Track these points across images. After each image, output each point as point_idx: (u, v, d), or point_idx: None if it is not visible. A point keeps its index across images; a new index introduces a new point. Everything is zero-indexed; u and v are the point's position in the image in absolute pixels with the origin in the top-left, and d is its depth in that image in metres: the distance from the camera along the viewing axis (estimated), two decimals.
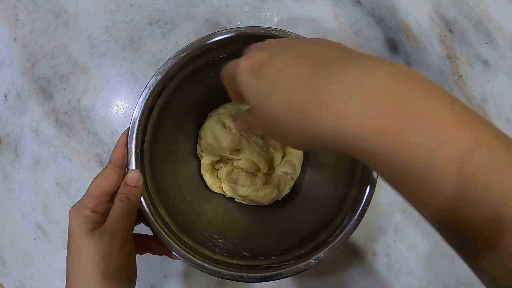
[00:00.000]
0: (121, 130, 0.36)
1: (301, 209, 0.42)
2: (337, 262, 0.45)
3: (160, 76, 0.35)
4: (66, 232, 0.30)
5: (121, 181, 0.32)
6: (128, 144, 0.34)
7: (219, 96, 0.42)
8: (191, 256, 0.33)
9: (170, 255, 0.35)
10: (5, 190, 0.48)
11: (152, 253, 0.36)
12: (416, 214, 0.23)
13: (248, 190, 0.42)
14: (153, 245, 0.35)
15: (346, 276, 0.45)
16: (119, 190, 0.32)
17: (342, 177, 0.38)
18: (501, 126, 0.48)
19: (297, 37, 0.35)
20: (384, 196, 0.46)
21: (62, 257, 0.30)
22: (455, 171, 0.17)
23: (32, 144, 0.48)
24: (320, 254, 0.33)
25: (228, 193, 0.43)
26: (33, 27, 0.50)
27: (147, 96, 0.34)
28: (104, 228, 0.29)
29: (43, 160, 0.48)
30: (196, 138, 0.44)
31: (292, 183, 0.44)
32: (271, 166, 0.44)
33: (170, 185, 0.39)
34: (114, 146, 0.34)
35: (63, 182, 0.47)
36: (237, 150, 0.42)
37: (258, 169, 0.43)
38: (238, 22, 0.49)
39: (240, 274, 0.33)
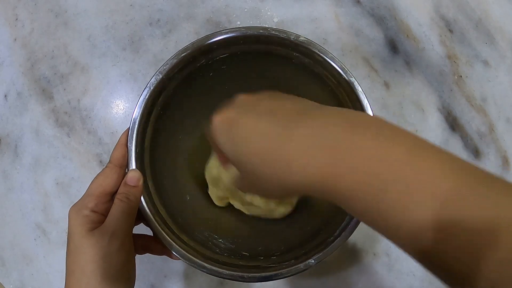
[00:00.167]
0: (121, 130, 0.36)
1: (301, 209, 0.42)
2: (337, 262, 0.45)
3: (160, 76, 0.35)
4: (66, 232, 0.30)
5: (121, 181, 0.32)
6: (128, 144, 0.34)
7: (219, 96, 0.42)
8: (191, 256, 0.33)
9: (170, 255, 0.35)
10: (5, 190, 0.48)
11: (152, 253, 0.36)
12: None
13: (263, 211, 0.41)
14: (153, 245, 0.35)
15: (346, 276, 0.45)
16: (119, 190, 0.32)
17: None
18: (501, 126, 0.48)
19: (296, 37, 0.35)
20: None
21: (62, 257, 0.30)
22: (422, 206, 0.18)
23: (32, 144, 0.48)
24: (320, 254, 0.33)
25: (240, 208, 0.43)
26: (33, 27, 0.50)
27: (147, 96, 0.34)
28: (103, 227, 0.30)
29: (43, 160, 0.48)
30: (197, 138, 0.44)
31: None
32: None
33: (170, 185, 0.39)
34: (114, 146, 0.34)
35: (63, 182, 0.47)
36: None
37: None
38: (238, 22, 0.49)
39: (240, 274, 0.33)
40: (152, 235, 0.34)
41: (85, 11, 0.50)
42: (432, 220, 0.18)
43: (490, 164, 0.47)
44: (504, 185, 0.18)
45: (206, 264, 0.33)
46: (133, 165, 0.33)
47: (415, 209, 0.18)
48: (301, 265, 0.33)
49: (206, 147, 0.45)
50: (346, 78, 0.35)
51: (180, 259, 0.33)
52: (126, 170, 0.34)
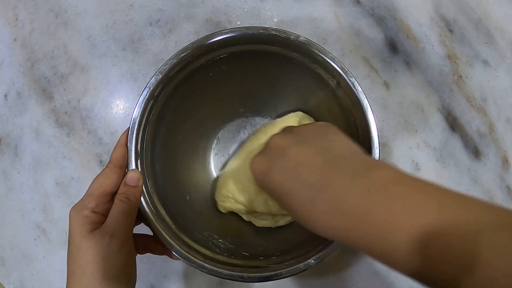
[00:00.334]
0: (121, 130, 0.36)
1: None
2: (337, 262, 0.45)
3: (160, 76, 0.35)
4: (66, 232, 0.30)
5: (121, 181, 0.32)
6: (128, 144, 0.34)
7: (219, 96, 0.42)
8: (191, 256, 0.33)
9: (170, 255, 0.35)
10: (5, 190, 0.48)
11: (152, 253, 0.36)
12: None
13: (269, 223, 0.41)
14: (153, 245, 0.35)
15: (346, 276, 0.45)
16: (119, 190, 0.32)
17: None
18: (501, 126, 0.48)
19: (296, 37, 0.35)
20: None
21: (62, 257, 0.30)
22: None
23: (32, 144, 0.48)
24: (320, 254, 0.33)
25: (245, 218, 0.42)
26: (33, 27, 0.50)
27: (147, 96, 0.34)
28: (104, 228, 0.30)
29: (43, 160, 0.48)
30: (197, 138, 0.44)
31: None
32: None
33: (170, 185, 0.39)
34: (114, 146, 0.34)
35: (63, 182, 0.47)
36: None
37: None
38: (238, 22, 0.49)
39: (240, 274, 0.33)
40: (152, 235, 0.34)
41: (85, 11, 0.50)
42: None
43: (490, 164, 0.47)
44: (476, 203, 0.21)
45: (205, 264, 0.33)
46: (133, 165, 0.33)
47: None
48: (301, 265, 0.33)
49: (206, 147, 0.45)
50: (346, 78, 0.35)
51: (180, 259, 0.33)
52: (126, 170, 0.34)
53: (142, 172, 0.34)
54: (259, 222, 0.41)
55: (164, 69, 0.35)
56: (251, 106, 0.45)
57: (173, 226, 0.35)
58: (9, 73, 0.49)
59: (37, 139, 0.48)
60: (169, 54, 0.36)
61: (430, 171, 0.47)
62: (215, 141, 0.46)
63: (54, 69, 0.49)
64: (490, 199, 0.47)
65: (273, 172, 0.27)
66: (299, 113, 0.42)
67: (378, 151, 0.34)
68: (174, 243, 0.33)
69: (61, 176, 0.47)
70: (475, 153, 0.47)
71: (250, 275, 0.33)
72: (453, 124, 0.48)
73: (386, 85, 0.48)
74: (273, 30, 0.35)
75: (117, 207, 0.30)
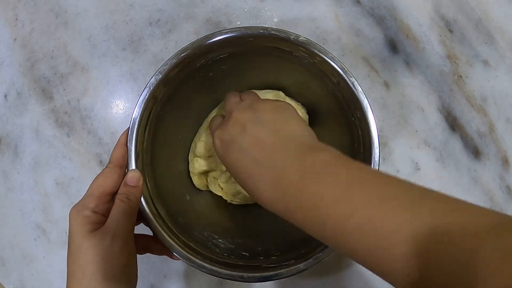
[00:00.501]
0: (121, 130, 0.36)
1: None
2: (337, 262, 0.45)
3: (160, 76, 0.35)
4: (66, 232, 0.30)
5: (122, 181, 0.32)
6: (128, 144, 0.34)
7: (219, 96, 0.42)
8: (191, 256, 0.33)
9: (170, 255, 0.35)
10: (5, 190, 0.48)
11: (152, 253, 0.36)
12: None
13: (244, 198, 0.41)
14: (153, 245, 0.35)
15: (346, 276, 0.45)
16: (119, 190, 0.32)
17: None
18: (501, 126, 0.48)
19: (296, 37, 0.35)
20: None
21: (62, 257, 0.30)
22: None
23: (32, 144, 0.48)
24: (320, 254, 0.33)
25: (217, 193, 0.43)
26: (33, 27, 0.50)
27: (147, 96, 0.34)
28: (105, 228, 0.30)
29: (43, 160, 0.48)
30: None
31: None
32: None
33: (170, 185, 0.39)
34: (114, 146, 0.34)
35: (63, 182, 0.47)
36: None
37: None
38: (238, 22, 0.49)
39: (240, 274, 0.33)
40: (152, 235, 0.34)
41: (85, 11, 0.50)
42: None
43: (490, 164, 0.47)
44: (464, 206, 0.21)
45: (205, 264, 0.33)
46: (133, 165, 0.33)
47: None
48: (301, 265, 0.33)
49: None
50: (346, 78, 0.35)
51: (180, 259, 0.33)
52: (126, 170, 0.33)
53: (142, 172, 0.34)
54: (232, 188, 0.41)
55: (164, 69, 0.35)
56: None
57: (173, 226, 0.35)
58: (9, 73, 0.49)
59: (37, 139, 0.48)
60: (169, 54, 0.36)
61: (430, 171, 0.47)
62: None
63: (54, 69, 0.49)
64: (490, 199, 0.47)
65: (231, 149, 0.29)
66: (281, 94, 0.42)
67: (378, 151, 0.34)
68: (174, 243, 0.33)
69: (61, 176, 0.47)
70: (475, 153, 0.47)
71: (250, 275, 0.33)
72: (453, 124, 0.48)
73: (386, 85, 0.48)
74: (273, 30, 0.35)
75: (118, 207, 0.30)
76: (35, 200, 0.47)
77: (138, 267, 0.32)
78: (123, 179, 0.32)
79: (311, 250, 0.34)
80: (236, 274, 0.33)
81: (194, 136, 0.43)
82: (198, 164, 0.41)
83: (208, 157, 0.41)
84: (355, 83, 0.35)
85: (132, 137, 0.34)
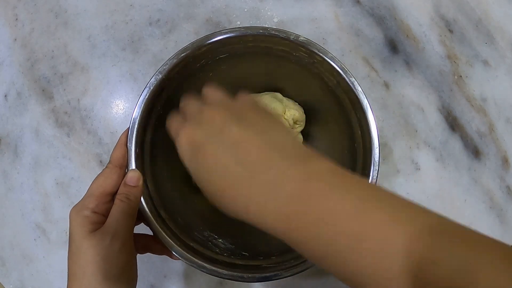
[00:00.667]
0: (121, 130, 0.36)
1: None
2: None
3: (160, 76, 0.35)
4: (66, 232, 0.30)
5: (121, 181, 0.32)
6: (128, 144, 0.34)
7: None
8: (191, 256, 0.33)
9: (170, 255, 0.35)
10: (5, 190, 0.48)
11: (152, 253, 0.36)
12: None
13: None
14: (153, 245, 0.35)
15: None
16: (119, 190, 0.32)
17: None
18: (501, 126, 0.48)
19: (296, 37, 0.35)
20: None
21: (62, 257, 0.30)
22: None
23: (32, 144, 0.48)
24: None
25: None
26: (33, 27, 0.50)
27: (147, 96, 0.34)
28: (104, 228, 0.30)
29: (43, 160, 0.48)
30: None
31: None
32: None
33: (170, 185, 0.39)
34: (114, 146, 0.34)
35: (63, 182, 0.47)
36: None
37: None
38: (238, 22, 0.49)
39: (240, 274, 0.33)
40: (152, 234, 0.34)
41: (85, 11, 0.50)
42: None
43: (490, 164, 0.47)
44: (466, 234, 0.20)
45: (205, 264, 0.33)
46: (133, 165, 0.33)
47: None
48: (301, 265, 0.33)
49: None
50: (346, 78, 0.35)
51: (180, 259, 0.33)
52: (126, 170, 0.34)
53: (142, 172, 0.34)
54: None
55: (164, 69, 0.35)
56: None
57: (173, 226, 0.35)
58: (9, 73, 0.49)
59: (37, 139, 0.48)
60: (169, 54, 0.36)
61: (430, 171, 0.47)
62: None
63: (54, 69, 0.49)
64: (490, 199, 0.47)
65: (208, 147, 0.25)
66: (278, 95, 0.42)
67: (378, 151, 0.34)
68: (174, 243, 0.33)
69: (61, 176, 0.47)
70: (475, 153, 0.47)
71: (250, 275, 0.33)
72: (453, 124, 0.48)
73: (386, 85, 0.48)
74: (273, 30, 0.35)
75: (118, 207, 0.30)
76: (35, 200, 0.47)
77: (138, 267, 0.32)
78: (123, 179, 0.32)
79: None
80: (236, 274, 0.33)
81: None
82: None
83: None
84: (355, 83, 0.35)
85: (132, 137, 0.34)
